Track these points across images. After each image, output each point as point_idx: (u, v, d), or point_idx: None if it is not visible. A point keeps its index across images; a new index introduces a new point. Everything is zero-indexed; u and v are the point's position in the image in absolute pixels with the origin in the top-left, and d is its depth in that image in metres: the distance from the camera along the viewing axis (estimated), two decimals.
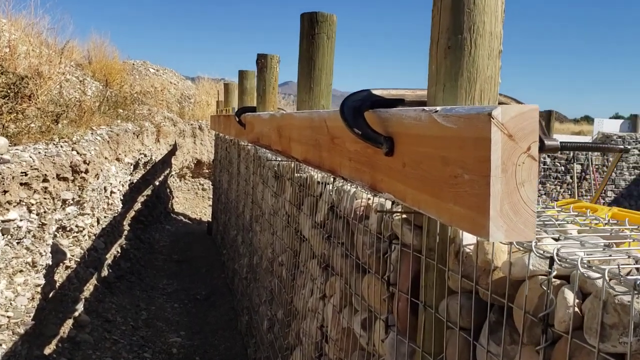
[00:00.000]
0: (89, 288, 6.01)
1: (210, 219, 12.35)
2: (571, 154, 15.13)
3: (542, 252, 1.17)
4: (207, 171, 15.62)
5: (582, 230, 1.49)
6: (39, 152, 4.57)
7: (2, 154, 4.12)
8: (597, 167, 15.39)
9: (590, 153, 14.92)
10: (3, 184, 3.87)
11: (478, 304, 1.43)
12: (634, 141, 15.79)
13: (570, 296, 1.08)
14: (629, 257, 1.13)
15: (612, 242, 1.34)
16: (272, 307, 4.15)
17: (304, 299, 3.04)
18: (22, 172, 4.09)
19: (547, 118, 14.03)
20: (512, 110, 1.09)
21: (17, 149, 4.45)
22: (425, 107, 1.41)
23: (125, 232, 8.54)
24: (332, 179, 2.65)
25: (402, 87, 1.90)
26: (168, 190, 13.70)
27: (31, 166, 4.23)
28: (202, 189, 15.84)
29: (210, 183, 14.77)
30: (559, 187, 15.47)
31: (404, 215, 1.78)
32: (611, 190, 15.39)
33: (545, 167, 15.45)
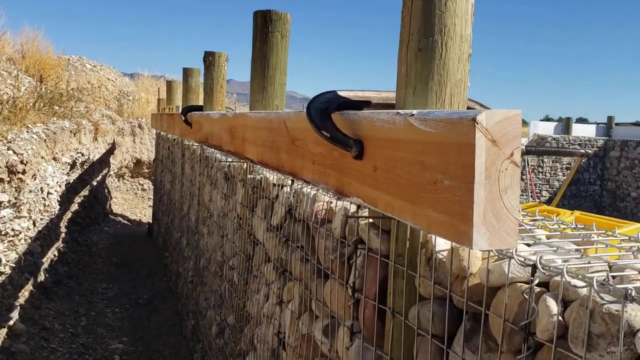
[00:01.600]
0: (24, 294, 5.71)
1: (150, 221, 12.01)
2: None
3: (523, 259, 1.15)
4: (147, 171, 15.20)
5: (551, 235, 1.49)
6: None
7: None
8: (532, 167, 15.92)
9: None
10: None
11: (450, 311, 1.41)
12: (567, 143, 16.45)
13: (553, 304, 1.07)
14: (609, 265, 1.13)
15: (582, 247, 1.34)
16: (221, 311, 4.05)
17: (259, 304, 2.97)
18: None
19: None
20: (497, 115, 1.06)
21: None
22: (399, 111, 1.37)
23: (63, 235, 8.19)
24: (289, 182, 2.59)
25: (361, 89, 1.87)
26: (106, 190, 13.26)
27: None
28: (141, 190, 15.41)
29: (151, 183, 14.37)
30: None
31: (371, 220, 1.74)
32: (546, 190, 15.96)
33: None
